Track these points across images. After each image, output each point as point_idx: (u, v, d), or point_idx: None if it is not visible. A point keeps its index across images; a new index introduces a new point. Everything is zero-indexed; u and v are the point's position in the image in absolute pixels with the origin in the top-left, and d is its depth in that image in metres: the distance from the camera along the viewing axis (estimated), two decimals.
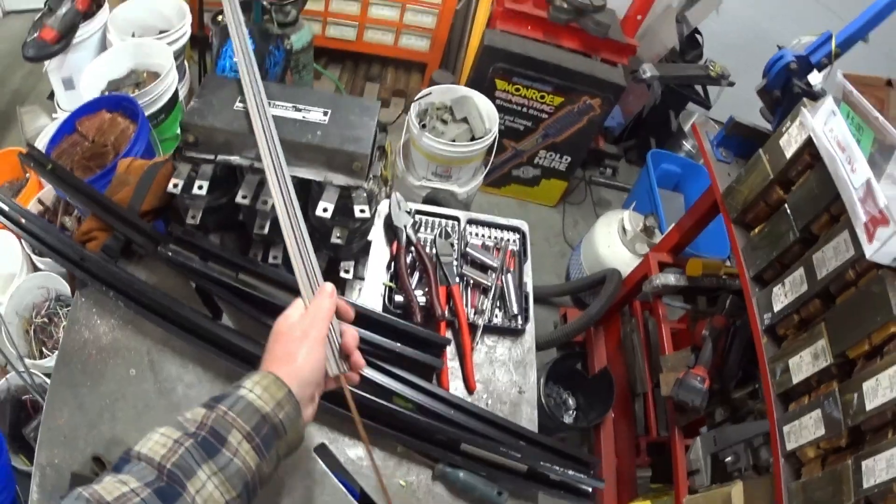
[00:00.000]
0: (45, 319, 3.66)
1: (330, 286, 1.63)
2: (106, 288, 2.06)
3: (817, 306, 2.45)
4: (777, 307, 2.60)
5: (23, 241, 3.56)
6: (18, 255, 3.55)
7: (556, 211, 6.13)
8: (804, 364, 2.37)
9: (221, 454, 1.26)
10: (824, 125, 2.45)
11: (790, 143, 2.69)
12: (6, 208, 2.18)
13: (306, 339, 1.50)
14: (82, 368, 2.05)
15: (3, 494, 2.92)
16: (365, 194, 2.03)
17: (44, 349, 3.62)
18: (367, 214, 2.01)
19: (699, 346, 3.30)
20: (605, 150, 6.22)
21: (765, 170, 2.81)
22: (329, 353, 1.57)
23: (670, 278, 3.68)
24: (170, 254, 2.09)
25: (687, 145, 6.36)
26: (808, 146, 2.58)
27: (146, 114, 3.46)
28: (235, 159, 2.00)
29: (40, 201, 3.62)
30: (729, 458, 3.02)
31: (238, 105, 2.02)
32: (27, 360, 3.31)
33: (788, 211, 2.64)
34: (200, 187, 1.98)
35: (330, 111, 2.06)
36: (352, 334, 1.66)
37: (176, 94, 3.90)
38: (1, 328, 3.27)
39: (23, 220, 2.18)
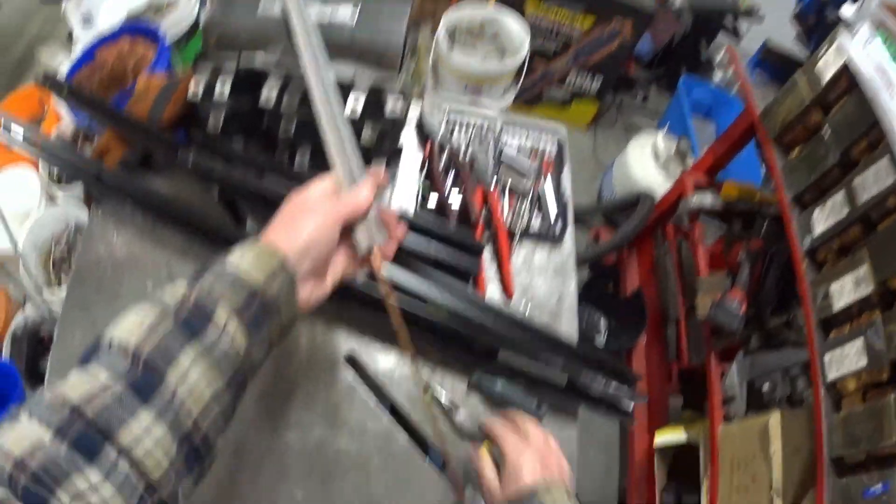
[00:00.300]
0: (65, 250, 3.62)
1: (368, 184, 1.35)
2: (123, 200, 2.01)
3: (858, 232, 2.40)
4: (817, 230, 2.55)
5: (40, 169, 3.55)
6: (36, 189, 3.53)
7: (588, 133, 6.07)
8: (846, 290, 2.32)
9: (206, 334, 1.09)
10: (862, 50, 2.41)
11: (828, 66, 2.63)
12: (21, 133, 2.12)
13: (316, 211, 1.29)
14: (97, 287, 1.98)
15: None
16: (397, 91, 1.95)
17: (62, 279, 3.59)
18: (398, 111, 1.93)
19: (735, 270, 3.27)
20: (636, 75, 6.17)
21: (802, 93, 2.75)
22: (361, 225, 1.35)
23: (706, 199, 3.62)
24: (190, 160, 1.99)
25: (717, 75, 6.22)
26: (846, 71, 2.53)
27: (167, 42, 3.36)
28: (259, 60, 1.94)
29: (59, 134, 3.52)
30: (766, 387, 3.00)
31: (263, 4, 1.95)
32: (45, 292, 3.30)
33: (827, 135, 2.59)
34: (222, 92, 1.91)
35: (360, 5, 1.97)
36: (389, 210, 1.44)
37: (197, 21, 3.78)
38: (19, 263, 3.23)
39: (38, 142, 2.11)
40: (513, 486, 1.45)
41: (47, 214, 3.50)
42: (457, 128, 2.52)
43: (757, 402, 3.03)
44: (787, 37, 3.21)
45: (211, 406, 1.07)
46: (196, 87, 1.90)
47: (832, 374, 2.30)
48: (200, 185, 2.06)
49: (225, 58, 1.94)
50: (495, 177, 2.40)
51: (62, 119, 3.50)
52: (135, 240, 2.05)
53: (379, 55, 1.90)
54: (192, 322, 1.09)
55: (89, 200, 2.20)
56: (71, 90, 2.19)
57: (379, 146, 2.10)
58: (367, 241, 1.36)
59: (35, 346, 3.44)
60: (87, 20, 3.83)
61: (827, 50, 2.65)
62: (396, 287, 1.90)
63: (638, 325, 4.16)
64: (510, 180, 2.40)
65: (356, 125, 1.95)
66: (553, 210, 2.38)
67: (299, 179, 1.90)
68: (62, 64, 3.82)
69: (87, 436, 0.92)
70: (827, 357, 2.34)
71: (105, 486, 0.90)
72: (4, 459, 0.87)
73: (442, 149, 2.38)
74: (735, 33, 5.76)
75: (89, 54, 3.24)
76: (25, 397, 2.86)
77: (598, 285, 4.63)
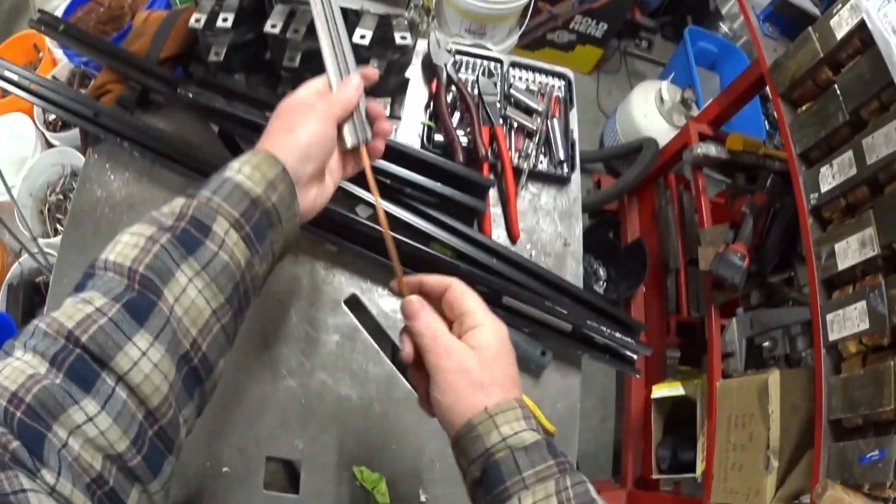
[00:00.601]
0: (60, 196, 3.63)
1: (357, 79, 1.35)
2: (121, 140, 1.96)
3: (865, 193, 2.38)
4: (824, 188, 2.53)
5: (35, 116, 3.52)
6: (31, 136, 3.51)
7: (591, 78, 6.03)
8: (850, 251, 2.31)
9: (205, 247, 1.06)
10: (878, 10, 2.35)
11: (841, 24, 2.58)
12: (14, 77, 2.08)
13: (312, 111, 1.27)
14: (94, 229, 1.97)
15: None
16: (406, 22, 1.89)
17: (58, 227, 3.59)
18: (408, 41, 1.88)
19: (738, 223, 3.26)
20: (641, 23, 6.13)
21: (814, 48, 2.71)
22: (347, 122, 1.34)
23: (711, 149, 3.58)
24: (190, 95, 1.94)
25: (724, 27, 6.17)
26: (860, 31, 2.48)
27: None
28: None
29: (54, 77, 3.56)
30: (766, 344, 3.01)
31: None
32: (41, 240, 3.25)
33: (838, 92, 2.55)
34: (225, 20, 1.83)
35: None
36: (376, 105, 1.42)
37: None
38: (14, 212, 3.18)
39: (32, 85, 2.06)
40: (444, 410, 1.20)
41: (42, 161, 3.51)
42: (464, 66, 2.48)
43: (756, 360, 3.05)
44: None
45: (211, 323, 1.06)
46: (199, 14, 1.84)
47: (833, 335, 2.30)
48: (200, 121, 2.03)
49: None
50: (503, 113, 2.37)
51: (57, 62, 3.54)
52: (133, 180, 2.02)
53: None
54: (190, 236, 1.06)
55: (86, 144, 2.17)
56: (66, 29, 2.15)
57: (386, 79, 2.08)
58: (353, 137, 1.35)
59: (32, 296, 3.47)
60: None
61: (841, 7, 2.59)
62: (402, 224, 1.91)
63: (637, 274, 4.18)
64: (518, 119, 2.37)
65: (363, 55, 1.92)
66: (561, 151, 2.35)
67: None
68: (58, 8, 3.74)
69: (84, 364, 0.91)
70: (829, 317, 2.33)
71: (102, 416, 0.88)
72: (0, 395, 0.85)
73: (449, 85, 2.35)
74: None
75: None
76: None
77: (599, 233, 4.64)
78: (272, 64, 2.04)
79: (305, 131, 1.23)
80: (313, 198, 1.30)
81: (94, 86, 2.09)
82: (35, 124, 3.50)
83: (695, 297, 3.70)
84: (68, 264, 1.92)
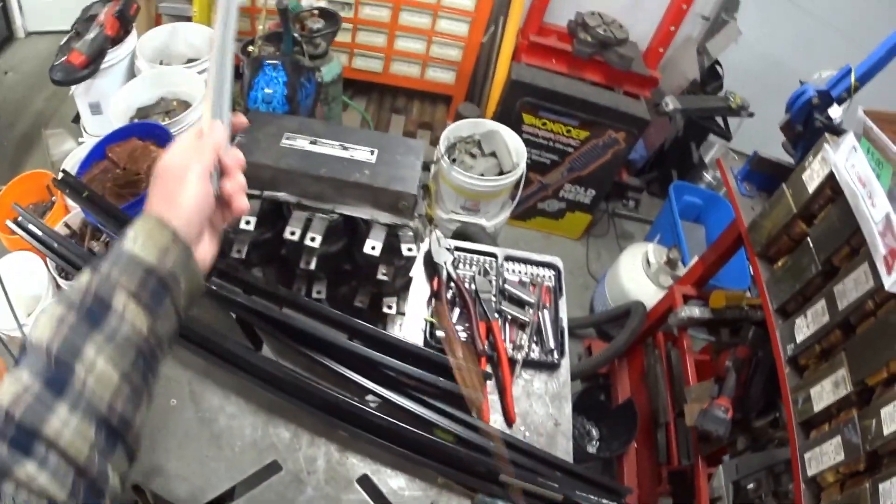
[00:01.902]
0: None
1: (223, 125, 1.47)
2: None
3: (838, 336, 2.50)
4: (799, 338, 2.65)
5: (48, 262, 3.46)
6: (44, 277, 3.48)
7: (580, 243, 6.17)
8: (825, 393, 2.43)
9: (107, 322, 1.16)
10: (846, 161, 2.51)
11: (812, 177, 2.75)
12: (39, 233, 2.20)
13: (188, 173, 1.34)
14: None
15: None
16: (411, 233, 2.05)
17: None
18: (414, 253, 2.04)
19: (722, 377, 3.34)
20: (628, 183, 6.27)
21: (788, 204, 2.87)
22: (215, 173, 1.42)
23: (695, 311, 3.73)
24: (213, 287, 2.08)
25: (708, 176, 6.40)
26: (830, 181, 2.64)
27: None
28: (283, 195, 2.02)
29: (67, 225, 3.54)
30: (751, 486, 3.07)
31: (284, 142, 2.04)
32: None
33: (811, 244, 2.70)
34: (248, 223, 1.98)
35: (377, 150, 2.08)
36: (235, 154, 1.50)
37: None
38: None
39: (56, 245, 2.19)
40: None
41: None
42: (461, 263, 2.68)
43: (743, 501, 3.11)
44: (776, 135, 3.29)
45: (122, 387, 1.16)
46: None
47: (812, 471, 2.41)
48: (220, 309, 2.16)
49: (250, 187, 1.96)
50: (498, 308, 2.54)
51: (70, 210, 3.56)
52: None
53: (395, 200, 2.00)
54: (94, 312, 1.17)
55: None
56: (90, 197, 2.29)
57: (392, 281, 2.22)
58: (215, 185, 1.42)
59: None
60: (96, 108, 3.94)
61: (812, 160, 2.77)
62: (408, 412, 2.04)
63: (629, 432, 4.22)
64: (512, 312, 2.54)
65: (373, 263, 2.09)
66: (551, 339, 2.53)
67: (316, 313, 2.04)
68: (70, 152, 3.87)
69: (20, 435, 1.04)
70: (807, 455, 2.45)
71: (42, 475, 1.02)
72: None
73: (448, 282, 2.54)
74: (725, 133, 5.88)
75: (99, 151, 3.28)
76: None
77: (591, 395, 4.70)
78: (287, 258, 2.19)
79: (186, 197, 1.32)
80: (205, 252, 1.41)
81: None
82: (47, 268, 3.46)
83: (685, 447, 3.74)
84: None
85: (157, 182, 1.36)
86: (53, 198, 3.97)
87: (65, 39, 3.79)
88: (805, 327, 2.64)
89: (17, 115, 5.50)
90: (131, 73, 4.09)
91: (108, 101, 3.78)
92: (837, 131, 2.89)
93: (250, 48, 4.15)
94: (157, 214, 1.29)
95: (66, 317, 1.15)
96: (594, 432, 4.60)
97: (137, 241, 1.25)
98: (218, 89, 1.48)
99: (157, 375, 1.29)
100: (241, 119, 1.57)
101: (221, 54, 1.49)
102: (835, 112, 2.96)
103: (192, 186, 1.33)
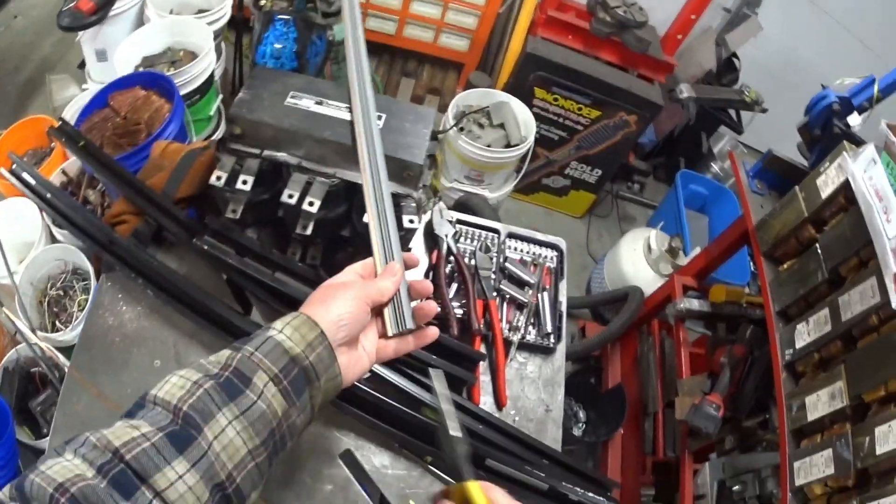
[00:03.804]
0: (61, 292, 3.65)
1: (397, 267, 1.51)
2: (135, 275, 2.01)
3: (838, 347, 2.48)
4: (799, 344, 2.63)
5: (44, 212, 3.49)
6: (38, 225, 3.53)
7: (582, 222, 6.15)
8: (821, 403, 2.41)
9: (245, 396, 1.18)
10: (864, 172, 2.47)
11: (827, 183, 2.71)
12: (33, 182, 2.14)
13: (347, 291, 1.40)
14: (104, 355, 2.02)
15: (6, 469, 2.94)
16: (414, 204, 2.01)
17: (57, 322, 3.62)
18: (416, 225, 1.98)
19: (716, 373, 3.33)
20: (634, 166, 6.22)
21: (799, 207, 2.84)
22: (388, 308, 1.48)
23: (694, 303, 3.72)
24: (206, 247, 2.01)
25: (715, 167, 6.37)
26: (845, 189, 2.60)
27: (181, 93, 3.45)
28: (283, 156, 1.97)
29: (64, 172, 3.63)
30: (736, 487, 3.05)
31: (289, 100, 1.98)
32: (39, 333, 3.33)
33: (819, 250, 2.67)
34: (245, 182, 1.92)
35: (385, 116, 2.03)
36: (425, 286, 1.58)
37: (212, 75, 3.90)
38: (14, 297, 3.27)
39: (49, 196, 2.12)
40: None
41: (46, 253, 3.55)
42: (462, 237, 2.62)
43: (727, 502, 3.10)
44: (789, 133, 3.26)
45: (246, 461, 1.16)
46: (220, 171, 1.94)
47: (800, 481, 2.40)
48: (211, 269, 2.12)
49: (250, 145, 1.98)
50: (497, 287, 2.50)
51: (69, 156, 3.59)
52: (144, 315, 2.10)
53: (401, 168, 1.97)
54: (232, 385, 1.18)
55: (98, 265, 2.21)
56: (85, 147, 2.24)
57: None
58: (393, 326, 1.47)
59: (27, 385, 3.49)
60: (102, 55, 3.89)
61: (828, 166, 2.73)
62: (395, 388, 2.00)
63: (616, 419, 4.20)
64: (510, 292, 2.50)
65: None
66: (549, 323, 2.48)
67: (309, 280, 2.00)
68: (73, 98, 3.87)
69: (126, 477, 1.02)
70: (797, 464, 2.43)
71: None
72: (48, 483, 0.97)
73: (448, 256, 2.49)
74: (737, 126, 5.85)
75: (101, 98, 3.32)
76: (14, 435, 2.99)
77: (581, 378, 4.70)
78: (283, 221, 2.13)
79: (338, 307, 1.36)
80: (346, 364, 1.39)
81: (110, 213, 2.16)
82: (41, 216, 3.52)
83: (671, 439, 3.74)
84: (78, 386, 1.96)
85: (318, 291, 1.43)
86: (53, 144, 3.96)
87: None
88: (806, 334, 2.61)
89: (23, 60, 5.48)
90: (140, 22, 4.07)
91: (115, 49, 3.76)
92: (856, 140, 2.85)
93: (262, 1, 4.08)
94: (309, 314, 1.33)
95: (201, 382, 1.17)
96: (581, 415, 4.57)
97: (284, 331, 1.29)
98: (380, 230, 1.60)
99: (275, 465, 1.29)
100: (413, 258, 1.62)
101: (376, 203, 1.65)
102: (854, 120, 2.93)
103: (346, 303, 1.38)
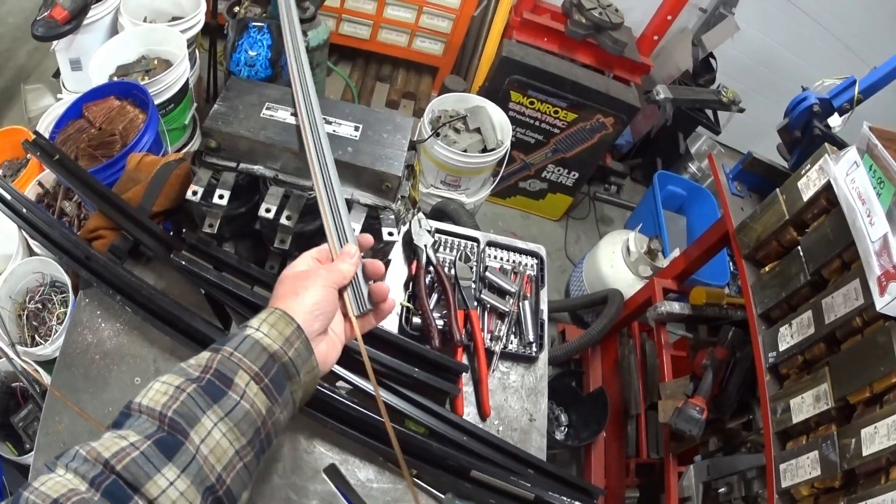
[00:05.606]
0: (39, 305, 3.60)
1: (353, 249, 1.55)
2: (112, 291, 2.01)
3: (822, 349, 2.48)
4: (782, 347, 2.63)
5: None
6: (15, 237, 3.48)
7: (559, 225, 6.15)
8: (805, 405, 2.41)
9: (228, 397, 1.20)
10: (846, 175, 2.47)
11: (808, 186, 2.71)
12: (8, 197, 2.13)
13: (314, 278, 1.44)
14: (84, 373, 2.01)
15: None
16: (393, 216, 2.00)
17: (36, 335, 3.56)
18: (394, 238, 1.98)
19: (698, 375, 3.31)
20: (611, 168, 6.25)
21: (780, 209, 2.83)
22: (348, 290, 1.52)
23: (675, 306, 3.70)
24: (183, 262, 2.00)
25: (692, 167, 6.40)
26: (827, 191, 2.60)
27: (156, 102, 3.44)
28: (259, 169, 1.96)
29: (40, 184, 3.59)
30: (722, 489, 3.06)
31: (265, 112, 1.97)
32: (18, 347, 3.28)
33: (801, 253, 2.67)
34: (221, 196, 1.92)
35: (362, 126, 2.02)
36: (375, 267, 1.60)
37: (187, 83, 3.87)
38: None
39: (24, 211, 2.11)
40: None
41: (24, 266, 3.50)
42: (441, 247, 2.61)
43: (713, 503, 3.10)
44: (767, 132, 3.27)
45: (234, 461, 1.17)
46: (196, 186, 1.93)
47: (786, 483, 2.40)
48: (189, 283, 2.09)
49: (226, 158, 1.97)
50: (478, 297, 2.49)
51: (45, 169, 3.53)
52: (123, 332, 2.08)
53: (379, 180, 1.95)
54: (214, 387, 1.19)
55: (76, 281, 2.20)
56: (60, 161, 2.23)
57: None
58: (354, 307, 1.53)
59: (8, 400, 3.46)
60: (76, 64, 3.87)
61: (810, 168, 2.72)
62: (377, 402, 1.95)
63: (599, 422, 4.20)
64: (491, 301, 2.48)
65: None
66: (531, 332, 2.46)
67: None
68: (48, 108, 3.79)
69: (118, 487, 1.03)
70: (783, 466, 2.43)
71: None
72: (43, 500, 0.98)
73: (427, 266, 2.47)
74: (714, 126, 5.86)
75: (76, 109, 3.30)
76: None
77: (562, 382, 4.67)
78: (261, 234, 2.13)
79: (310, 296, 1.39)
80: (325, 352, 1.42)
81: (86, 229, 2.15)
82: (19, 229, 3.39)
83: (654, 440, 3.75)
84: (59, 405, 1.94)
85: (283, 283, 1.46)
86: (28, 155, 3.88)
87: None
88: (789, 336, 2.61)
89: None
90: (114, 30, 4.05)
91: (89, 58, 3.75)
92: (837, 141, 2.86)
93: (236, 8, 4.09)
94: (282, 309, 1.35)
95: (183, 387, 1.18)
96: (563, 418, 4.57)
97: (262, 328, 1.31)
98: (333, 217, 1.64)
99: (262, 463, 1.30)
100: (367, 238, 1.65)
101: (325, 191, 1.69)
102: (835, 121, 2.93)
103: (316, 290, 1.42)
